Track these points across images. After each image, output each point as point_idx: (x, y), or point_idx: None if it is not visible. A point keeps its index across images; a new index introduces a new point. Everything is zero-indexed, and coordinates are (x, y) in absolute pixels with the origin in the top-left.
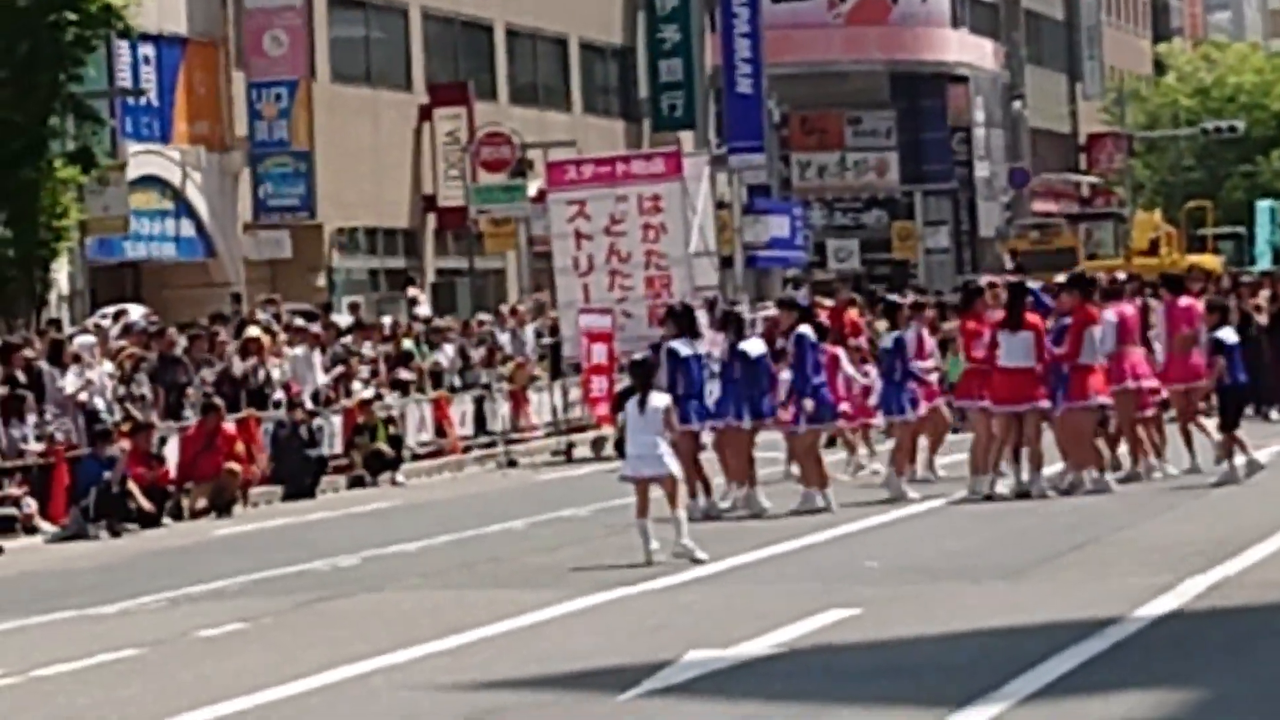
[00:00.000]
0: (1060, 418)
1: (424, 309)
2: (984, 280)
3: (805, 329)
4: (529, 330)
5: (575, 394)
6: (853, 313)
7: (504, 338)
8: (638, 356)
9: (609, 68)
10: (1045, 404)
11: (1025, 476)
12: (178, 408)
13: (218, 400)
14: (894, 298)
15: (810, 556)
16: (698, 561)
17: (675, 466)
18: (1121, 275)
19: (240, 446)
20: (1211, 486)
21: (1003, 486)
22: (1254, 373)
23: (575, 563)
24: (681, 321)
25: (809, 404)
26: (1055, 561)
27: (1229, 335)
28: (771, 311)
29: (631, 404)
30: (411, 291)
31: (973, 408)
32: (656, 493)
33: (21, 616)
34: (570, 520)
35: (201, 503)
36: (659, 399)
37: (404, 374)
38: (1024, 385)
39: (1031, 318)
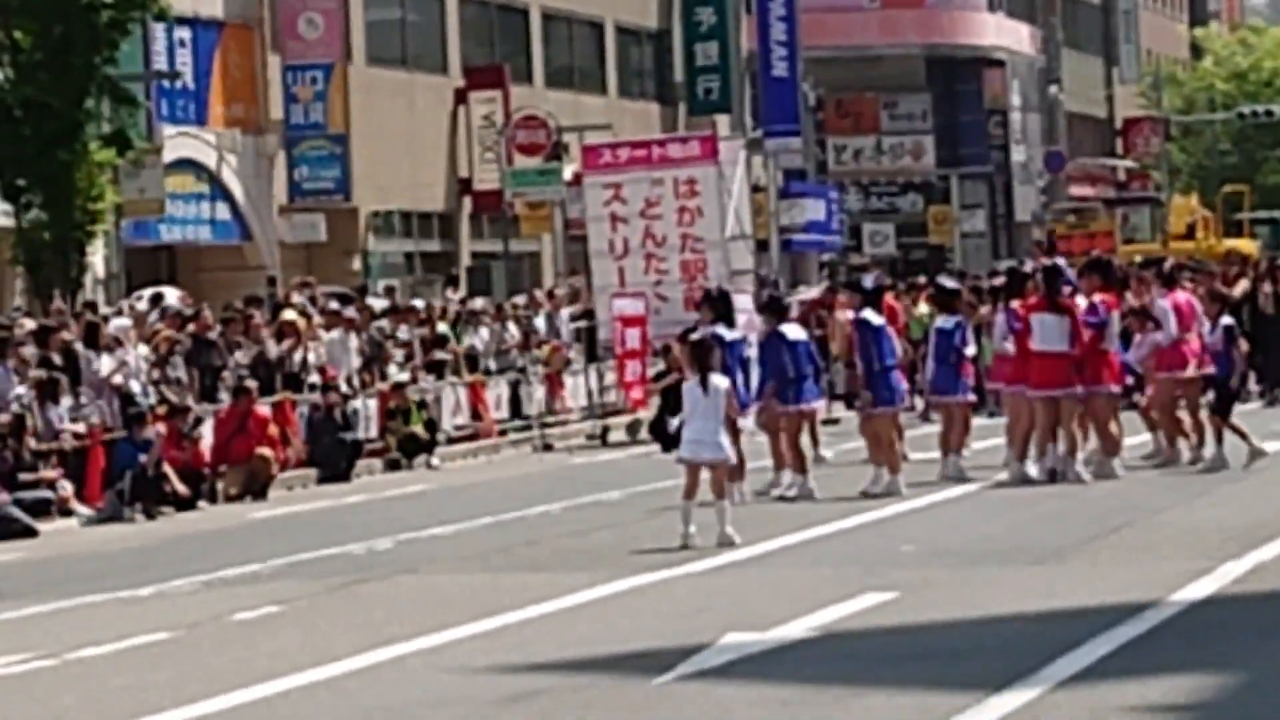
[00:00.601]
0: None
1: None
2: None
3: (867, 313)
4: (564, 314)
5: (611, 378)
6: (889, 297)
7: (539, 321)
8: (695, 337)
9: (644, 51)
10: (1080, 389)
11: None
12: (213, 391)
13: (250, 383)
14: (950, 284)
15: (847, 540)
16: (733, 545)
17: (733, 454)
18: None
19: (273, 429)
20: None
21: (1035, 471)
22: None
23: (611, 546)
24: (718, 307)
25: (867, 395)
26: (1091, 545)
27: (1230, 322)
28: (808, 295)
29: (693, 386)
30: (450, 294)
31: (1021, 393)
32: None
33: (56, 599)
34: (605, 504)
35: (234, 489)
36: (720, 380)
37: (439, 354)
38: (1059, 370)
39: (1067, 301)
